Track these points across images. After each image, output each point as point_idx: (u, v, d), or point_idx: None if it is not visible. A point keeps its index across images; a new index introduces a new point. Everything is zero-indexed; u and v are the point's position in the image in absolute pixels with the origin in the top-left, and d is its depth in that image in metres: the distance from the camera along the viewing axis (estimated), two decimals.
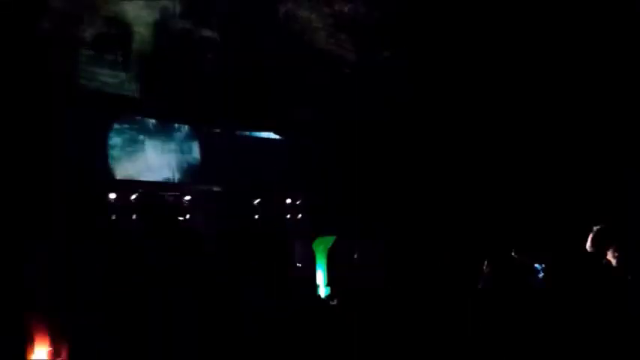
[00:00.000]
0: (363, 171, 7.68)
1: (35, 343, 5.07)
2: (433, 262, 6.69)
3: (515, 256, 5.66)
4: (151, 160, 6.87)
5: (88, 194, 5.94)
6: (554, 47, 6.93)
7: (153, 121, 6.98)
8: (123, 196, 6.16)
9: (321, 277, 7.35)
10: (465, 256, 6.46)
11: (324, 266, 7.21)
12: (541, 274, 4.85)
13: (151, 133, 6.95)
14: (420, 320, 5.66)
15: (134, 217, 6.26)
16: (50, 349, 5.03)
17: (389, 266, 6.91)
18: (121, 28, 6.51)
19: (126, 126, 6.71)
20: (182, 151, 7.28)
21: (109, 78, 6.48)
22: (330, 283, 6.95)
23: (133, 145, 6.72)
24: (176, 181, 7.15)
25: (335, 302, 6.38)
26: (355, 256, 7.19)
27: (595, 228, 4.31)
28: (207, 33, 7.18)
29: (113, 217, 6.14)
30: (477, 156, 7.45)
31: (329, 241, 7.44)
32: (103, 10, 6.27)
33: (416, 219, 7.43)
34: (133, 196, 6.20)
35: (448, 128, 7.59)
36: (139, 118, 6.89)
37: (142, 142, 6.81)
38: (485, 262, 5.62)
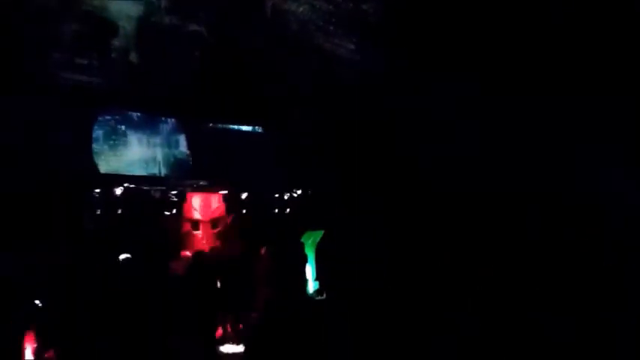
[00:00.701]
0: (355, 165, 7.66)
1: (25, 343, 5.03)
2: (432, 260, 6.68)
3: None
4: (137, 154, 6.80)
5: (73, 189, 5.87)
6: (552, 45, 6.95)
7: (137, 113, 6.90)
8: (107, 190, 6.08)
9: (309, 272, 7.31)
10: (464, 256, 6.48)
11: (313, 260, 7.16)
12: None
13: (136, 127, 6.87)
14: (415, 318, 5.67)
15: (119, 211, 6.20)
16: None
17: (387, 262, 6.88)
18: (102, 24, 6.43)
19: (109, 118, 6.62)
20: (169, 145, 7.22)
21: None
22: (318, 277, 6.90)
23: (117, 138, 6.64)
24: (162, 175, 7.09)
25: (323, 297, 6.34)
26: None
27: None
28: (193, 27, 7.12)
29: (98, 212, 6.06)
30: (477, 155, 7.44)
31: (317, 235, 7.39)
32: (83, 5, 6.18)
33: (413, 215, 7.40)
34: (118, 191, 6.12)
35: (446, 125, 7.58)
36: (124, 111, 6.82)
37: (127, 136, 6.74)
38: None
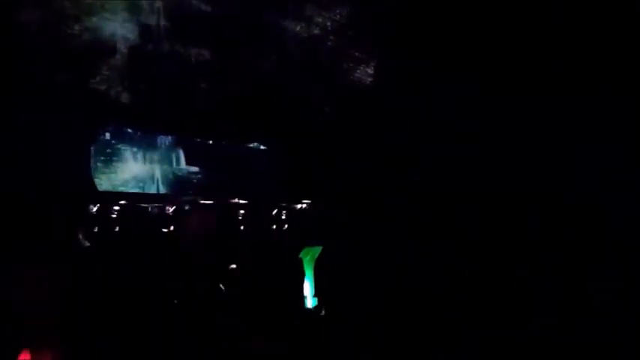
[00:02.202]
0: (353, 180, 7.64)
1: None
2: (432, 265, 6.65)
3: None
4: (134, 171, 6.76)
5: (70, 206, 5.84)
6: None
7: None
8: (105, 208, 6.04)
9: (308, 288, 7.24)
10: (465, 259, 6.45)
11: (312, 277, 7.11)
12: None
13: (133, 143, 6.84)
14: (416, 328, 5.62)
15: (116, 229, 6.15)
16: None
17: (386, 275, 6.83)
18: (100, 42, 6.45)
19: (106, 135, 6.60)
20: (167, 162, 7.19)
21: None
22: (317, 294, 6.83)
23: (113, 155, 6.62)
24: (161, 192, 7.05)
25: (322, 313, 6.28)
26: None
27: None
28: (192, 50, 7.14)
29: (95, 230, 6.02)
30: (477, 155, 7.42)
31: (316, 251, 7.34)
32: (79, 22, 6.21)
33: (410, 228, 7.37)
34: (115, 208, 6.07)
35: (446, 126, 7.59)
36: (122, 128, 6.80)
37: (124, 153, 6.71)
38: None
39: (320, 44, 7.74)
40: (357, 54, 7.90)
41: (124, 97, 6.61)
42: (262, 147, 7.92)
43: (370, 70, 7.93)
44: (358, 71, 7.95)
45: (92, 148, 6.36)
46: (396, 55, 7.80)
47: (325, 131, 7.80)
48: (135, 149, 6.77)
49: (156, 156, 6.98)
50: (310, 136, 7.80)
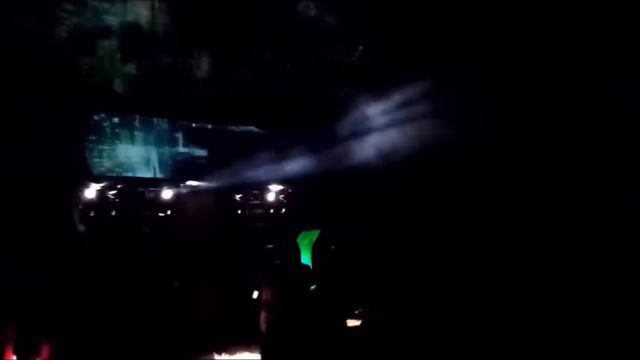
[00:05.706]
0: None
1: (10, 344, 5.02)
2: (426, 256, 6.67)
3: None
4: (131, 155, 6.73)
5: (66, 190, 5.81)
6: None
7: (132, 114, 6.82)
8: (101, 191, 6.02)
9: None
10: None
11: (309, 260, 7.12)
12: None
13: (131, 127, 6.80)
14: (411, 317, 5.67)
15: (113, 213, 6.14)
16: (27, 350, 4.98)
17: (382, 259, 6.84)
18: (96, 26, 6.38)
19: (103, 119, 6.55)
20: (163, 146, 7.16)
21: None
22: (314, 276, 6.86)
23: (111, 139, 6.58)
24: (158, 176, 7.03)
25: (320, 295, 6.30)
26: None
27: None
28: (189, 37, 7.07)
29: (91, 214, 6.00)
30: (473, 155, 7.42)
31: (313, 235, 7.35)
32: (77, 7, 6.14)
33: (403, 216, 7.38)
34: (112, 192, 6.06)
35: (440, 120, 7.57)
36: (118, 112, 6.75)
37: (121, 137, 6.67)
38: None
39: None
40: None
41: (116, 81, 6.54)
42: (258, 132, 7.86)
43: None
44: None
45: (88, 132, 6.31)
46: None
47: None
48: (132, 134, 6.70)
49: (153, 140, 6.91)
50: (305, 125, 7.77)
